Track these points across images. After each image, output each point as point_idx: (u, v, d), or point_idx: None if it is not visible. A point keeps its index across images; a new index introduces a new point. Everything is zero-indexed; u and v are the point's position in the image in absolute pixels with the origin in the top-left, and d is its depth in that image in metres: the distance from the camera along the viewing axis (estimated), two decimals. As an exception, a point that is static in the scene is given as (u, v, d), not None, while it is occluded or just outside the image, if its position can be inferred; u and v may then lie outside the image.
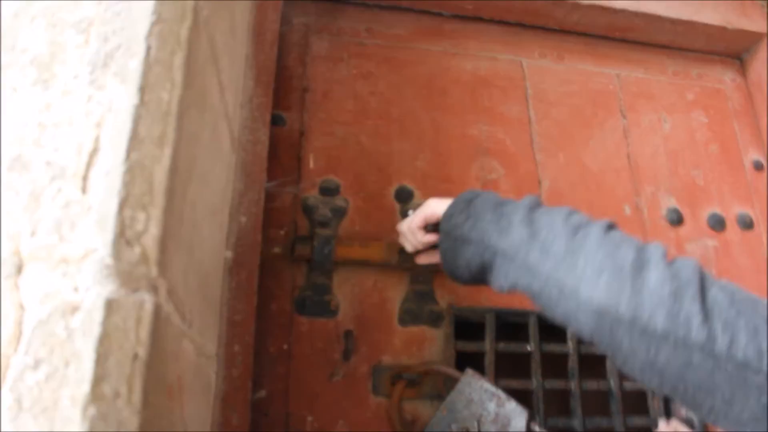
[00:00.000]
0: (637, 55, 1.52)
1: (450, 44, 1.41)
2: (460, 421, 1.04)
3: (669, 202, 1.38)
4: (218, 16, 0.88)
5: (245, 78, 1.14)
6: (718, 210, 1.40)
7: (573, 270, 0.72)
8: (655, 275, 0.67)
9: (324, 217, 1.18)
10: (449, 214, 0.91)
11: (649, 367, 0.66)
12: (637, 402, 1.22)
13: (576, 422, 1.15)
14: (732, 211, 1.41)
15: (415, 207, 1.08)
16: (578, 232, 0.76)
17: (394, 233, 1.14)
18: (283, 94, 1.25)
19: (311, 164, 1.23)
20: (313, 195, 1.20)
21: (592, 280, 0.70)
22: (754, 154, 1.48)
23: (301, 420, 1.07)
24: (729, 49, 1.57)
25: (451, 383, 1.08)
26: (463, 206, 0.89)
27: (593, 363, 1.21)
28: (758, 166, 1.47)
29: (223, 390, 0.95)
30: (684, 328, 0.63)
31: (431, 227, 1.01)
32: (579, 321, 0.72)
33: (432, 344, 1.15)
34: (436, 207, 0.96)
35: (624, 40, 1.52)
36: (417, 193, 1.25)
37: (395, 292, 1.17)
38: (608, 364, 1.20)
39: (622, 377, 1.19)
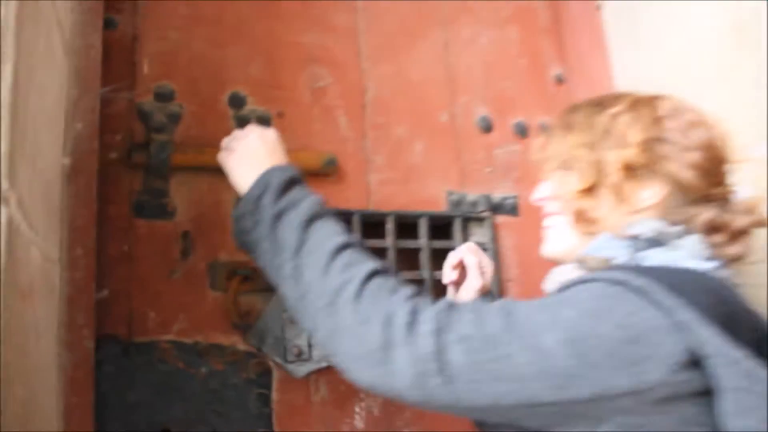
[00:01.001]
0: (459, -31, 1.63)
1: (283, -52, 1.44)
2: (289, 310, 1.18)
3: (481, 111, 1.54)
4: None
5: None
6: (523, 119, 1.58)
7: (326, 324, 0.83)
8: (401, 357, 0.75)
9: (159, 122, 1.22)
10: (240, 215, 0.96)
11: None
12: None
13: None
14: (535, 120, 1.59)
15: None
16: (337, 297, 0.82)
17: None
18: (112, -5, 1.24)
19: (145, 69, 1.25)
20: (148, 101, 1.24)
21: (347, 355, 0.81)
22: (556, 69, 1.66)
23: (144, 316, 1.15)
24: (541, -32, 1.72)
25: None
26: (252, 208, 0.94)
27: (410, 255, 1.37)
28: (559, 80, 1.66)
29: (67, 292, 1.00)
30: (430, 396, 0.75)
31: None
32: None
33: (265, 242, 1.26)
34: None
35: (448, -46, 1.62)
36: (250, 99, 1.32)
37: (229, 194, 1.25)
38: (422, 256, 1.37)
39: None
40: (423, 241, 1.38)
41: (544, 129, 1.56)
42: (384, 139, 1.43)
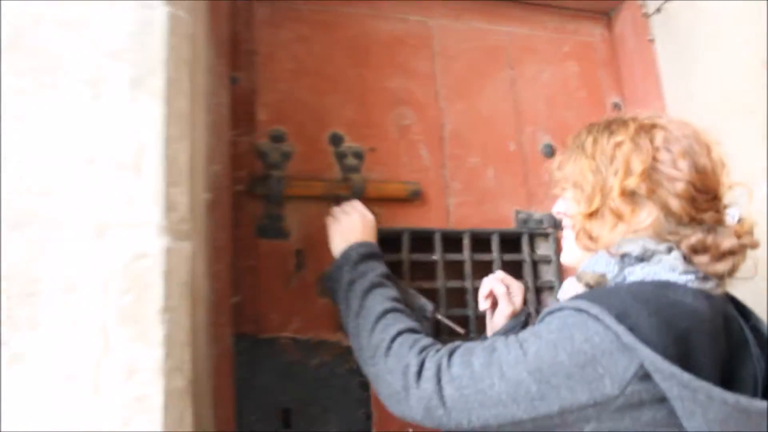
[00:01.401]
0: (522, 14, 1.85)
1: (368, 7, 1.69)
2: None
3: (545, 139, 1.76)
4: (198, 21, 1.16)
5: (207, 47, 1.41)
6: (582, 144, 1.79)
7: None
8: (414, 397, 0.99)
9: (275, 160, 1.50)
10: (327, 276, 1.31)
11: None
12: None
13: (470, 312, 1.56)
14: (594, 144, 1.79)
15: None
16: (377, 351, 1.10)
17: (329, 170, 1.50)
18: (234, 56, 1.53)
19: (261, 116, 1.53)
20: (265, 142, 1.51)
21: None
22: (614, 97, 1.87)
23: (267, 317, 1.43)
24: (598, 7, 1.93)
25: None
26: (335, 274, 1.28)
27: (484, 267, 1.60)
28: (617, 107, 1.86)
29: (211, 299, 1.28)
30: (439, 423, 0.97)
31: None
32: None
33: (362, 257, 1.52)
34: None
35: (512, 0, 1.84)
36: (347, 137, 1.58)
37: (333, 217, 1.52)
38: (494, 267, 1.60)
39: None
40: (495, 254, 1.62)
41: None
42: (460, 167, 1.67)
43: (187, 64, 1.01)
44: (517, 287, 1.37)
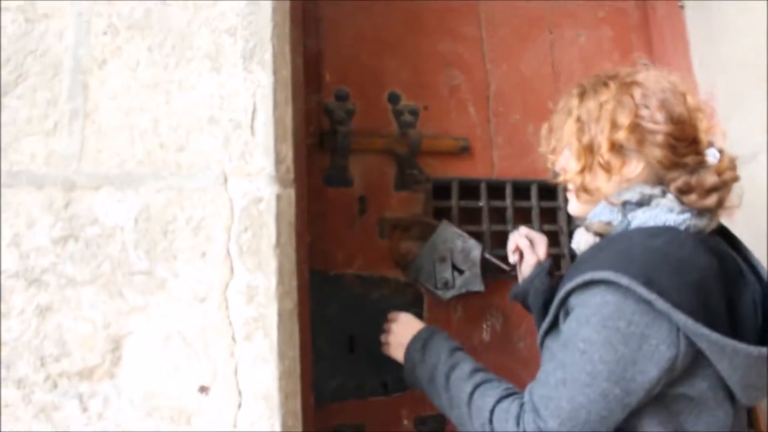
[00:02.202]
0: (562, -18, 2.00)
1: (422, -22, 1.85)
2: (438, 252, 1.63)
3: (580, 98, 1.92)
4: (286, -3, 1.32)
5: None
6: (614, 102, 1.95)
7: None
8: None
9: (340, 117, 1.68)
10: (410, 353, 1.34)
11: None
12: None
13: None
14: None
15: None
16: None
17: (388, 126, 1.69)
18: (305, 24, 1.69)
19: (327, 78, 1.71)
20: (330, 101, 1.69)
21: None
22: (644, 59, 2.02)
23: (334, 256, 1.63)
24: (632, -26, 2.06)
25: (431, 229, 1.65)
26: (419, 355, 1.31)
27: (524, 213, 1.79)
28: (647, 69, 2.00)
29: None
30: None
31: None
32: None
33: (417, 203, 1.71)
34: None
35: (553, -31, 1.99)
36: (403, 96, 1.75)
37: (390, 169, 1.70)
38: (533, 214, 1.79)
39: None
40: (534, 202, 1.80)
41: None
42: (503, 123, 1.84)
43: (287, 38, 1.19)
44: (539, 239, 1.47)
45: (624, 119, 1.11)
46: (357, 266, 1.65)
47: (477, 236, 1.70)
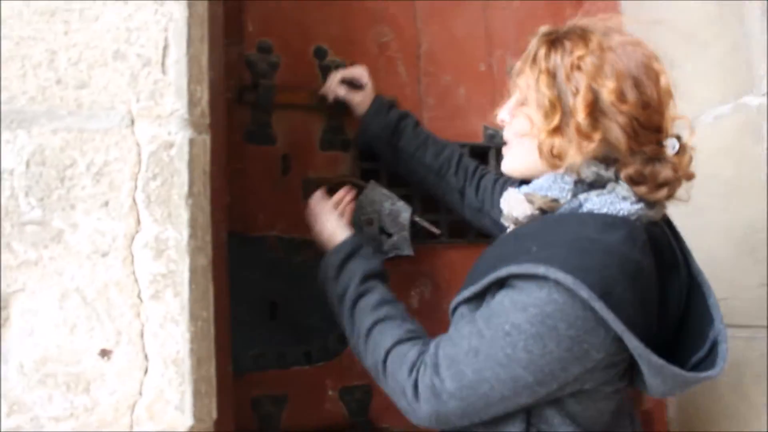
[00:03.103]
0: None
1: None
2: (366, 215, 1.55)
3: (513, 62, 1.86)
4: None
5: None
6: (546, 67, 1.91)
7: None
8: (419, 413, 1.04)
9: (263, 70, 1.58)
10: (327, 263, 1.32)
11: None
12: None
13: (441, 217, 1.69)
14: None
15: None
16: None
17: (313, 82, 1.59)
18: (224, -30, 1.58)
19: (250, 28, 1.60)
20: (253, 53, 1.58)
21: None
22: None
23: (255, 217, 1.53)
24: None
25: (359, 190, 1.57)
26: (333, 272, 1.29)
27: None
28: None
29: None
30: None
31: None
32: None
33: (343, 164, 1.63)
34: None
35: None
36: (330, 52, 1.66)
37: (316, 126, 1.61)
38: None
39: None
40: (464, 166, 1.74)
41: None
42: (434, 84, 1.77)
43: (202, -30, 1.08)
44: (358, 72, 1.57)
45: (604, 83, 1.00)
46: (279, 228, 1.56)
47: (406, 199, 1.63)
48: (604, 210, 1.03)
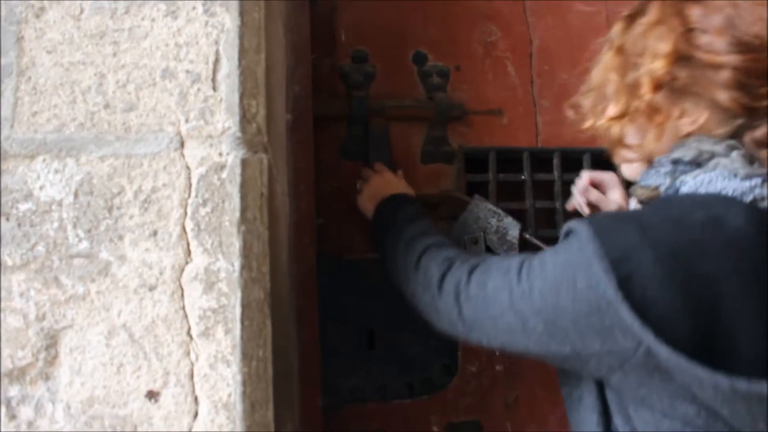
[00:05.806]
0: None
1: None
2: (470, 233, 1.40)
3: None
4: (273, -64, 1.14)
5: (286, -32, 1.39)
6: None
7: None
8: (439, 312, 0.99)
9: (357, 81, 1.48)
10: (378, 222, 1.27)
11: None
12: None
13: (555, 233, 1.51)
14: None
15: None
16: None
17: (413, 90, 1.47)
18: (314, -21, 1.50)
19: (343, 38, 1.51)
20: (347, 64, 1.49)
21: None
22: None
23: (351, 239, 1.43)
24: None
25: (463, 206, 1.43)
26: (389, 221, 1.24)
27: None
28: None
29: (294, 219, 1.30)
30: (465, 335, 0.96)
31: None
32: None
33: (447, 177, 1.50)
34: None
35: None
36: (430, 56, 1.54)
37: (417, 138, 1.49)
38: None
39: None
40: (586, 173, 1.54)
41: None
42: (549, 84, 1.60)
43: (259, -26, 1.00)
44: (610, 181, 1.35)
45: (669, 47, 0.83)
46: (377, 251, 1.45)
47: (519, 214, 1.47)
48: (702, 191, 0.83)
